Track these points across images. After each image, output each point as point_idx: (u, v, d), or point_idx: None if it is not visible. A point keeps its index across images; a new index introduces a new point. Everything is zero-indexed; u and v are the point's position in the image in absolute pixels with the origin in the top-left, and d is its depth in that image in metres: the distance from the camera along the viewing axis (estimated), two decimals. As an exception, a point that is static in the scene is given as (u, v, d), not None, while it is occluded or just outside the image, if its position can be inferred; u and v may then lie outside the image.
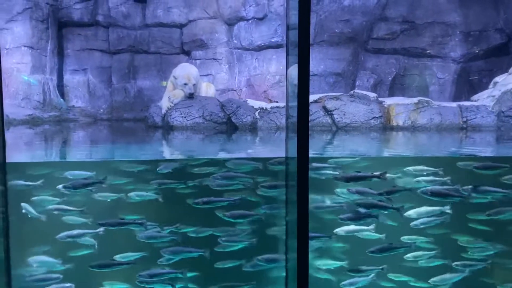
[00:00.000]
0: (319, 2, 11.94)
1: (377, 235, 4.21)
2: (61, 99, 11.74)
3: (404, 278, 4.27)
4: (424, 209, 4.20)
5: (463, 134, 8.44)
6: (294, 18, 2.32)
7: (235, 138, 7.84)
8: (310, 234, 3.74)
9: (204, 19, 12.05)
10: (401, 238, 4.26)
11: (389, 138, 8.08)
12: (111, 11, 12.04)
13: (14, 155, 4.55)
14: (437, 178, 4.25)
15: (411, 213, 4.19)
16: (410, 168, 4.27)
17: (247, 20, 12.05)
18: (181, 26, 12.14)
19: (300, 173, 2.36)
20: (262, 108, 9.18)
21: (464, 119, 9.00)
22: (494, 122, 8.97)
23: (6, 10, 10.83)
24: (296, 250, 2.41)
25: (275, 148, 6.57)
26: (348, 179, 4.14)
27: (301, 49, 2.28)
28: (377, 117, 8.97)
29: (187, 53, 12.18)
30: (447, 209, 4.18)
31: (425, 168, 4.28)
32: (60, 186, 3.97)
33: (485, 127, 8.88)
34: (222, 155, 6.00)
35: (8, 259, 2.63)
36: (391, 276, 4.26)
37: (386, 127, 8.97)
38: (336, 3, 11.96)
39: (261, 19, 12.02)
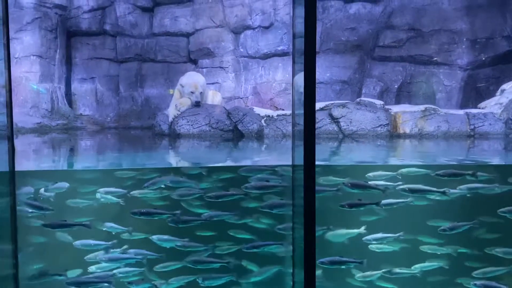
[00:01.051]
0: (325, 11, 11.98)
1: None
2: (69, 108, 11.84)
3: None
4: (341, 231, 4.20)
5: (470, 141, 8.38)
6: (300, 27, 2.33)
7: (241, 145, 7.85)
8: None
9: (210, 28, 12.13)
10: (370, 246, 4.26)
11: (395, 145, 8.05)
12: (119, 20, 12.16)
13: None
14: (389, 183, 4.25)
15: (329, 235, 4.18)
16: (370, 174, 4.29)
17: (253, 28, 12.11)
18: (188, 35, 12.23)
19: (306, 181, 2.36)
20: (268, 116, 9.19)
21: (472, 127, 8.95)
22: (502, 130, 8.91)
23: (16, 20, 10.98)
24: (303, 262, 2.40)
25: (281, 155, 6.57)
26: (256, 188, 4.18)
27: (307, 57, 2.29)
28: (383, 125, 8.95)
29: (194, 62, 12.25)
30: (363, 229, 4.18)
31: (384, 173, 4.28)
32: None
33: (493, 134, 8.82)
34: (228, 163, 6.01)
35: (17, 260, 2.64)
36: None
37: (393, 135, 8.94)
38: (342, 11, 12.00)
39: (267, 27, 12.08)
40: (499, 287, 4.10)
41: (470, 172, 4.26)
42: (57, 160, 6.36)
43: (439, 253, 4.29)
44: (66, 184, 4.12)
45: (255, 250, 4.18)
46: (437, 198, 4.23)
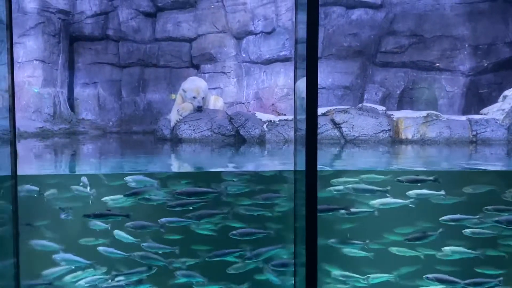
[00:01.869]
0: (327, 16, 12.01)
1: None
2: (71, 112, 11.87)
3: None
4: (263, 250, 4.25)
5: (472, 148, 8.37)
6: (302, 32, 2.34)
7: (243, 150, 7.85)
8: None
9: (213, 33, 12.18)
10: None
11: (396, 151, 8.03)
12: (122, 26, 12.22)
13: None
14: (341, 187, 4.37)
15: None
16: (334, 180, 4.34)
17: (256, 34, 12.15)
18: (190, 40, 12.27)
19: (308, 186, 2.36)
20: (270, 121, 9.19)
21: (474, 133, 8.94)
22: (505, 136, 8.90)
23: (19, 25, 11.04)
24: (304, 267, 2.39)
25: (283, 161, 6.56)
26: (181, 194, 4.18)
27: (309, 62, 2.29)
28: (385, 130, 8.94)
29: (196, 67, 12.29)
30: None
31: (348, 179, 4.36)
32: None
33: (495, 140, 8.80)
34: (230, 168, 6.01)
35: (18, 265, 2.64)
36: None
37: (395, 141, 8.93)
38: (344, 17, 12.03)
39: (269, 33, 12.12)
40: (450, 279, 4.14)
41: (431, 178, 4.25)
42: (58, 165, 6.37)
43: (407, 255, 4.31)
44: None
45: (218, 258, 4.19)
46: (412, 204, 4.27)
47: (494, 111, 9.48)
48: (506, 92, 9.78)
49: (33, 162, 5.99)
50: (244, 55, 12.21)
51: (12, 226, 2.66)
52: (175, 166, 6.37)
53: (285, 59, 12.02)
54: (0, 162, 2.67)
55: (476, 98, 11.54)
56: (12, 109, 2.65)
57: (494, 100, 10.22)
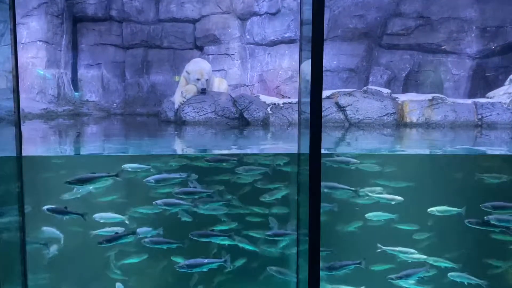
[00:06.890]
0: (333, -3, 11.84)
1: None
2: (75, 93, 11.86)
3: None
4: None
5: (478, 131, 8.33)
6: (308, 14, 2.31)
7: (247, 133, 7.85)
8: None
9: (217, 14, 12.04)
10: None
11: (401, 135, 8.00)
12: (125, 6, 12.10)
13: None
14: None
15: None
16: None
17: (260, 15, 12.01)
18: (194, 21, 12.15)
19: (312, 169, 2.36)
20: (274, 104, 9.16)
21: (479, 116, 8.88)
22: (510, 120, 8.84)
23: (22, 5, 10.96)
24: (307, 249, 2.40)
25: (286, 144, 6.55)
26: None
27: (314, 44, 2.27)
28: (390, 114, 8.90)
29: (200, 48, 12.19)
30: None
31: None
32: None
33: (500, 124, 8.75)
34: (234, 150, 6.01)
35: (24, 248, 2.68)
36: None
37: (399, 124, 8.90)
38: (350, -2, 11.85)
39: (274, 14, 11.97)
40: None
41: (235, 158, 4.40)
42: (63, 146, 6.40)
43: None
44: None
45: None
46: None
47: (500, 95, 9.40)
48: (512, 76, 9.68)
49: (38, 144, 6.02)
50: (248, 36, 12.09)
51: (18, 207, 2.69)
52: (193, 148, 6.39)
53: (290, 41, 11.89)
54: (5, 143, 2.68)
55: (482, 82, 11.43)
56: (16, 90, 2.64)
57: (501, 84, 10.12)
